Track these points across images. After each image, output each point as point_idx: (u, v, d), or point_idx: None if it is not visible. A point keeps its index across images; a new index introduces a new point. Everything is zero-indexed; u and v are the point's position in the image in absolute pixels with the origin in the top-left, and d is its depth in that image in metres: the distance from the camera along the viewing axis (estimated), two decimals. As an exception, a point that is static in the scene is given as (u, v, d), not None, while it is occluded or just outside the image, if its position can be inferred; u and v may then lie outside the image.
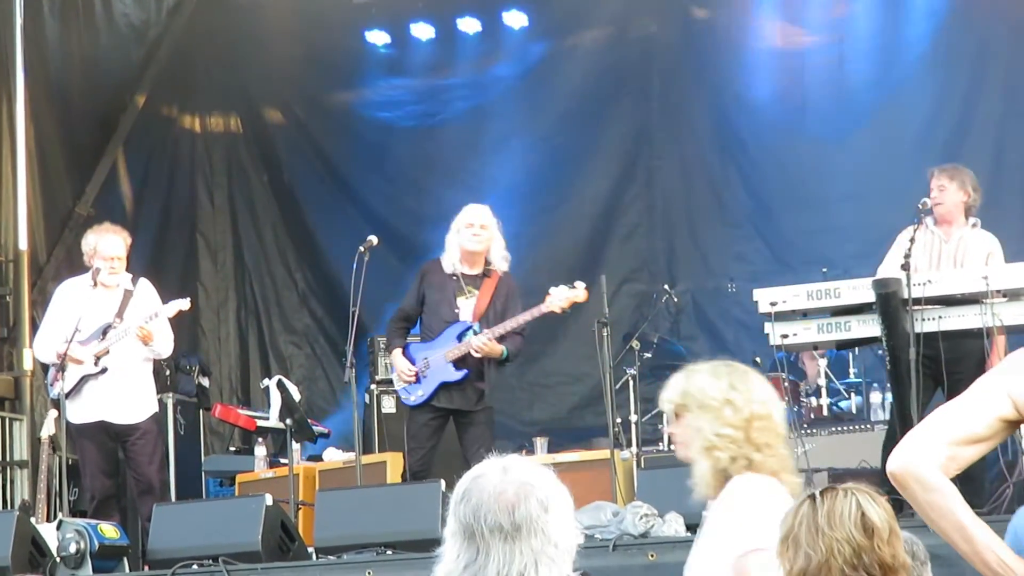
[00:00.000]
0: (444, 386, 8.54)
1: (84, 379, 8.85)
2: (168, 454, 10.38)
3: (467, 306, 8.63)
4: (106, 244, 8.94)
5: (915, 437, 2.88)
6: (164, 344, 8.97)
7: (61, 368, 8.78)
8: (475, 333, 8.52)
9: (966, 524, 2.83)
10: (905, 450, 2.85)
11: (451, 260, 8.66)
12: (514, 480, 2.76)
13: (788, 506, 3.07)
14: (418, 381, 8.59)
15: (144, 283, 9.13)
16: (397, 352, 8.72)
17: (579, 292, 8.52)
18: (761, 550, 3.42)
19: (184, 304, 9.02)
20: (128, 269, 9.12)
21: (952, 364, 7.74)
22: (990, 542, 2.87)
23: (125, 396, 8.88)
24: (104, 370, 8.83)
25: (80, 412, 8.89)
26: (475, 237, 8.61)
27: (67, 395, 8.87)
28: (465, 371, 8.51)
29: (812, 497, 2.96)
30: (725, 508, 3.69)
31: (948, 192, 8.39)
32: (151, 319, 8.78)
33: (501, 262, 8.69)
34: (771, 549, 3.04)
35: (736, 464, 3.71)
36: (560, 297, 8.53)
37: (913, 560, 4.85)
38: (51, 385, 8.96)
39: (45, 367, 9.03)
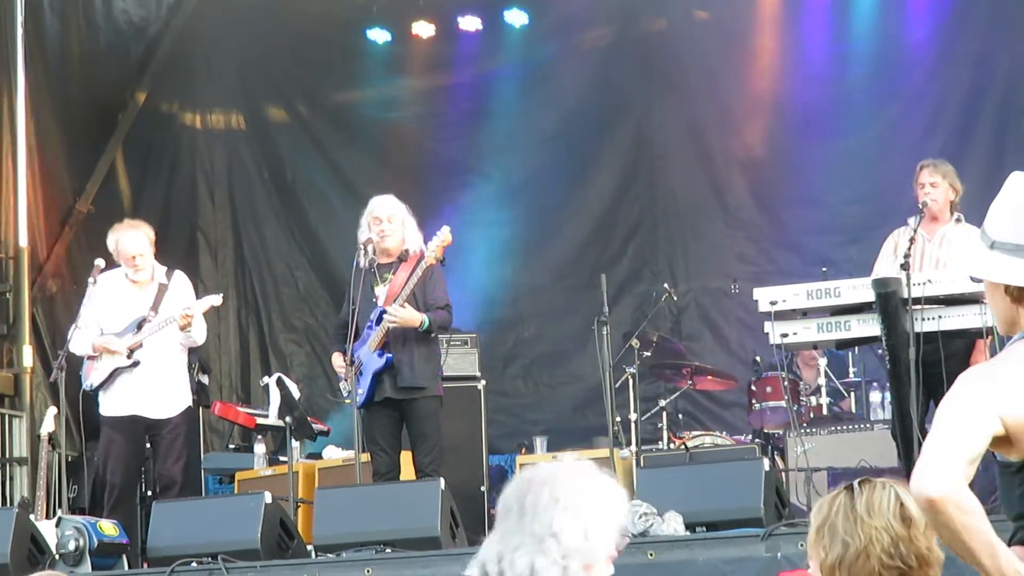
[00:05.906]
0: (378, 378, 8.41)
1: (116, 372, 8.81)
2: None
3: (383, 292, 8.50)
4: (125, 243, 8.86)
5: (940, 459, 2.84)
6: (200, 332, 8.93)
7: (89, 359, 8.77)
8: None
9: (995, 543, 2.86)
10: (940, 474, 2.82)
11: (366, 256, 8.53)
12: (547, 471, 2.89)
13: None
14: (359, 382, 8.47)
15: (179, 276, 9.07)
16: (335, 355, 8.62)
17: (444, 235, 8.39)
18: None
19: (216, 300, 8.99)
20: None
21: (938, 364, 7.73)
22: (1011, 560, 2.90)
23: (158, 390, 8.83)
24: (137, 363, 8.79)
25: (112, 405, 8.84)
26: (382, 234, 8.51)
27: (99, 387, 8.84)
28: (388, 355, 8.38)
29: (849, 488, 2.98)
30: None
31: (941, 189, 8.37)
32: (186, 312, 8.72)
33: (416, 244, 8.52)
34: None
35: None
36: (432, 249, 8.40)
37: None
38: (85, 377, 8.93)
39: (80, 360, 8.97)
